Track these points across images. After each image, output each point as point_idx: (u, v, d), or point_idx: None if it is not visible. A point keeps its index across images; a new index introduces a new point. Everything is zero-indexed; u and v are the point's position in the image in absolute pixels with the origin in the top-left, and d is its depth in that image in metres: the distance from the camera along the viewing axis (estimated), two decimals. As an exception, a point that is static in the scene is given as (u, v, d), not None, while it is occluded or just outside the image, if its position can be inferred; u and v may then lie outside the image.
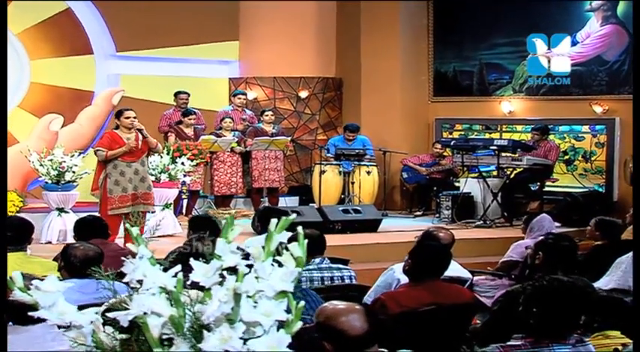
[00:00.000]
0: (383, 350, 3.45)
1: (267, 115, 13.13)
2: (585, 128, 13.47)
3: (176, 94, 13.09)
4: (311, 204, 12.75)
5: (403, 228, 11.49)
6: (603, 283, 6.54)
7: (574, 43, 13.31)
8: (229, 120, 12.79)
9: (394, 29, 14.39)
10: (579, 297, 3.65)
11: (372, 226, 11.24)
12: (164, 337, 2.01)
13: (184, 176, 11.17)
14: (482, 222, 11.92)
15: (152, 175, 10.56)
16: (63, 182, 10.15)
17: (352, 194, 13.05)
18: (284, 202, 13.11)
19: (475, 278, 7.62)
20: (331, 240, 10.11)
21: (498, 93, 14.16)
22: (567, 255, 5.49)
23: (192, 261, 2.07)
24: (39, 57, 13.05)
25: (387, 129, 14.13)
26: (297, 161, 14.84)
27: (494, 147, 11.98)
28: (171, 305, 2.01)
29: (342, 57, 14.98)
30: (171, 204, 10.92)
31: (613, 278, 6.58)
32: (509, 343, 3.64)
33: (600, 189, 13.23)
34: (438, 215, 12.56)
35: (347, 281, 5.74)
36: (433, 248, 5.13)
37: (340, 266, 5.85)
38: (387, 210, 13.18)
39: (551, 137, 13.08)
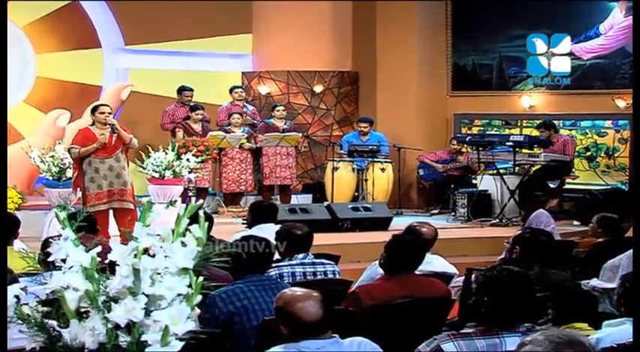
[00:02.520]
0: (335, 335, 3.79)
1: (278, 110, 13.41)
2: (608, 123, 13.63)
3: (180, 90, 13.33)
4: (325, 202, 12.89)
5: (416, 227, 11.68)
6: (599, 283, 6.79)
7: (597, 35, 13.49)
8: (237, 116, 13.01)
9: (411, 22, 14.60)
10: (528, 287, 3.94)
11: (382, 224, 11.41)
12: (82, 310, 2.36)
13: (189, 173, 11.38)
14: (498, 220, 12.10)
15: (156, 172, 10.87)
16: (64, 178, 10.43)
17: (366, 191, 13.27)
18: (296, 200, 13.35)
19: (473, 275, 7.90)
20: (339, 238, 10.52)
21: (518, 88, 14.36)
22: (544, 249, 5.77)
23: (111, 242, 2.43)
24: (45, 51, 13.33)
25: (403, 124, 14.33)
26: (312, 158, 15.01)
27: (511, 143, 12.18)
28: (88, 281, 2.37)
29: (359, 50, 15.15)
30: (176, 201, 11.11)
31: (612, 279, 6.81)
32: (461, 331, 3.92)
33: (623, 187, 13.34)
34: (453, 213, 12.75)
35: (330, 276, 6.02)
36: (407, 242, 5.43)
37: (324, 261, 6.12)
38: (402, 208, 13.43)
39: (573, 132, 13.28)
